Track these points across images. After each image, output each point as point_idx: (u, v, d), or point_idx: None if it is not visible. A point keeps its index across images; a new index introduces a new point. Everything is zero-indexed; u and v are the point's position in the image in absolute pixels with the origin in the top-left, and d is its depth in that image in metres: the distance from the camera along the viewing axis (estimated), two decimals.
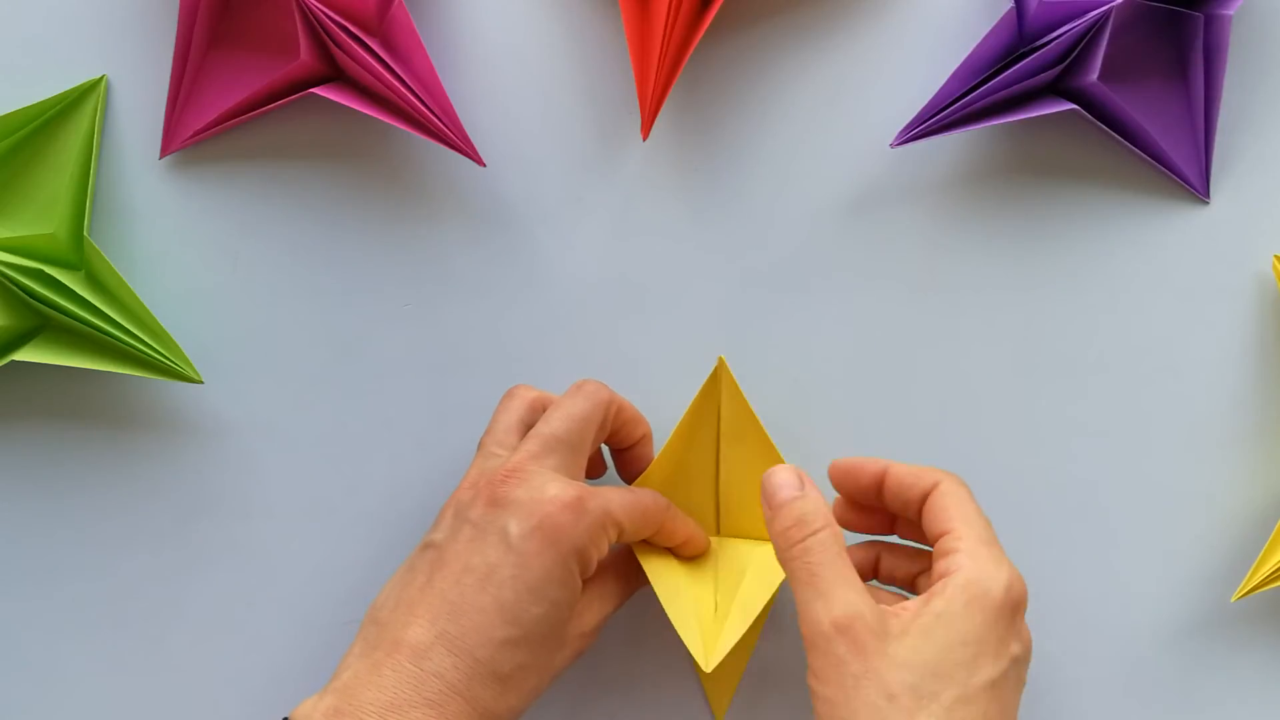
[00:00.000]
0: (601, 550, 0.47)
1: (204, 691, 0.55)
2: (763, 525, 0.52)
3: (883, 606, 0.44)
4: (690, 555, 0.52)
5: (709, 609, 0.50)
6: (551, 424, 0.49)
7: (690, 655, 0.54)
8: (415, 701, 0.44)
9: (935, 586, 0.44)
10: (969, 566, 0.44)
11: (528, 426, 0.50)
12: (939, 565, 0.45)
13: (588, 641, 0.48)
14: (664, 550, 0.52)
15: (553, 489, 0.46)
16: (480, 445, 0.50)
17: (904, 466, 0.48)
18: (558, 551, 0.46)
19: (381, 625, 0.46)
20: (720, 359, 0.52)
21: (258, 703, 0.55)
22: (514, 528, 0.46)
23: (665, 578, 0.50)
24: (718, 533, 0.54)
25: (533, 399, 0.51)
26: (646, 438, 0.53)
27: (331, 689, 0.45)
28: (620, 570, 0.51)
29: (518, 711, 0.46)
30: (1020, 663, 0.45)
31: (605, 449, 0.54)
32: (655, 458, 0.52)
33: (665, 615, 0.54)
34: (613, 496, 0.48)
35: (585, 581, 0.48)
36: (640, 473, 0.52)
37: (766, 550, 0.52)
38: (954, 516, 0.46)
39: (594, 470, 0.53)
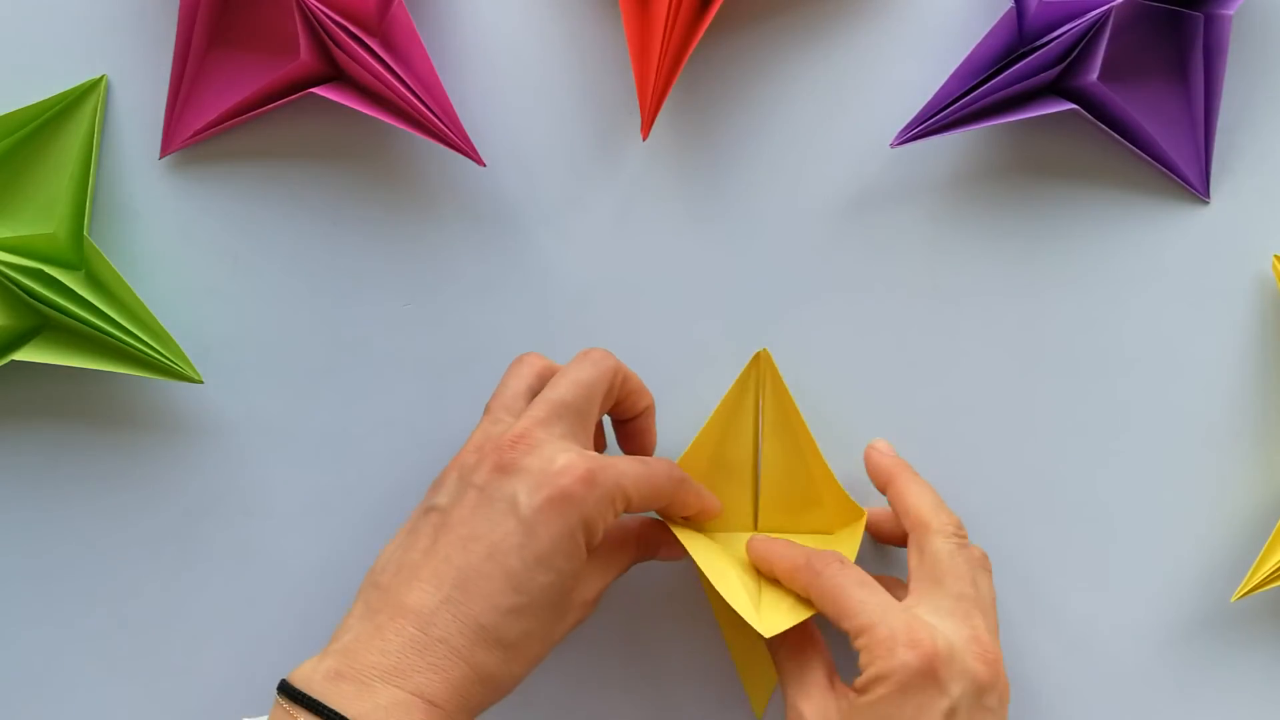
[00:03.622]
0: (608, 522, 0.47)
1: (204, 691, 0.55)
2: (805, 522, 0.52)
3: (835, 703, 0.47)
4: (704, 521, 0.52)
5: (754, 583, 0.50)
6: (559, 390, 0.48)
7: (726, 654, 0.54)
8: (419, 666, 0.43)
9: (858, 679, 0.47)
10: (867, 653, 0.46)
11: (536, 394, 0.49)
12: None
13: (588, 610, 0.48)
14: (702, 529, 0.52)
15: (563, 459, 0.46)
16: (486, 410, 0.49)
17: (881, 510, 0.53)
18: (566, 522, 0.45)
19: (383, 589, 0.46)
20: (764, 351, 0.52)
21: (258, 702, 0.55)
22: (523, 496, 0.45)
23: (708, 556, 0.50)
24: (755, 528, 0.54)
25: (542, 367, 0.50)
26: (649, 410, 0.52)
27: (332, 651, 0.44)
28: (622, 541, 0.50)
29: (518, 678, 0.46)
30: (962, 707, 0.45)
31: (607, 422, 0.54)
32: (686, 451, 0.52)
33: (701, 612, 0.54)
34: (624, 469, 0.47)
35: (589, 551, 0.47)
36: (642, 446, 0.52)
37: (812, 542, 0.52)
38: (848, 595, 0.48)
39: (594, 444, 0.53)
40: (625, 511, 0.48)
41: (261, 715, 0.46)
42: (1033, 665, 0.54)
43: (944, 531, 0.49)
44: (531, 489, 0.45)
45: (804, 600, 0.49)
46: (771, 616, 0.48)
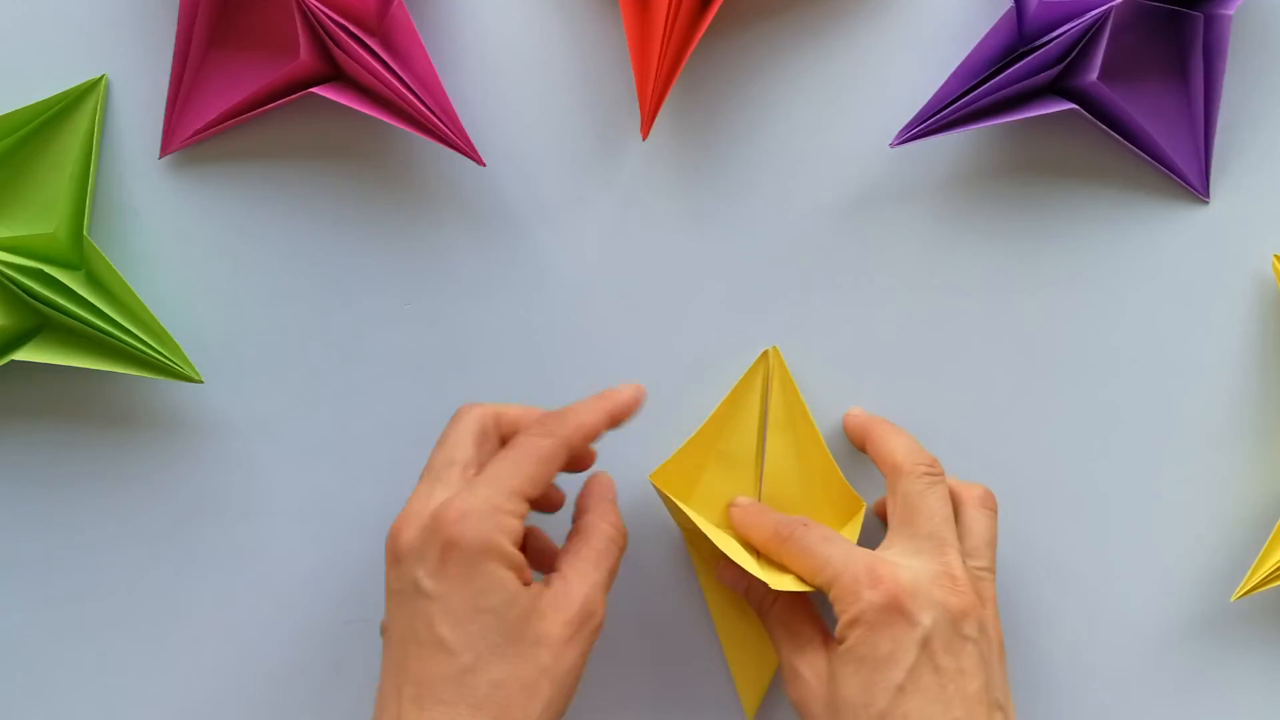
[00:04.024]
0: (511, 531, 0.45)
1: (203, 691, 0.55)
2: (808, 515, 0.52)
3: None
4: (630, 413, 0.50)
5: (754, 560, 0.50)
6: (430, 459, 0.48)
7: (721, 655, 0.54)
8: None
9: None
10: (839, 603, 0.47)
11: (476, 460, 0.48)
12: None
13: (586, 627, 0.46)
14: (706, 505, 0.52)
15: (431, 511, 0.45)
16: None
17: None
18: (468, 567, 0.45)
19: None
20: (774, 348, 0.53)
21: (257, 702, 0.55)
22: (421, 573, 0.45)
23: (713, 530, 0.50)
24: None
25: (481, 420, 0.49)
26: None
27: None
28: (592, 541, 0.48)
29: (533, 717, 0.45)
30: (937, 635, 0.46)
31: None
32: (688, 440, 0.53)
33: (696, 614, 0.54)
34: (494, 471, 0.46)
35: (548, 571, 0.47)
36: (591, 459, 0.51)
37: None
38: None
39: (550, 505, 0.52)
40: (536, 495, 0.47)
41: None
42: (1033, 664, 0.54)
43: (914, 473, 0.50)
44: (424, 567, 0.45)
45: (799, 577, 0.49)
46: (796, 584, 0.49)
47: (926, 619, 0.46)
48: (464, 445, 0.48)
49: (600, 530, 0.48)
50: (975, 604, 0.47)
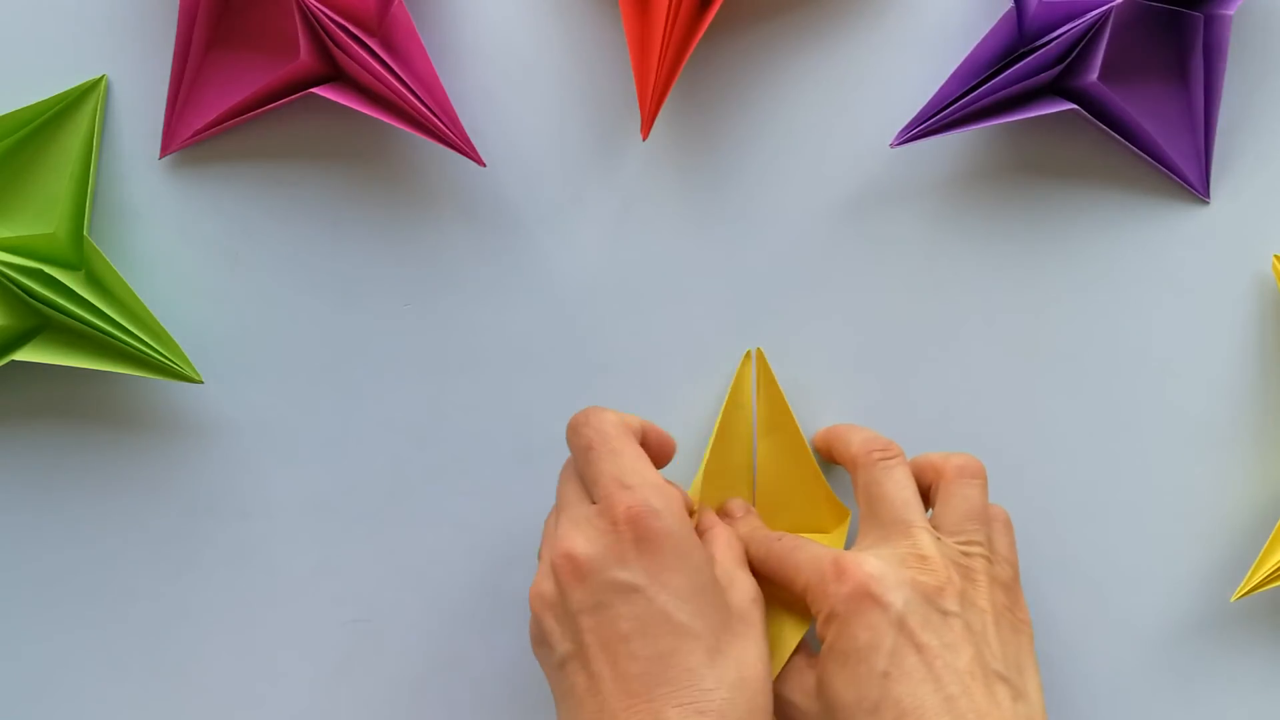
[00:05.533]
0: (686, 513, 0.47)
1: (203, 692, 0.55)
2: (801, 521, 0.52)
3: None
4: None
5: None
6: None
7: None
8: None
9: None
10: (813, 605, 0.47)
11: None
12: None
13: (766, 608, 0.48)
14: None
15: (606, 521, 0.46)
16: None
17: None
18: (673, 552, 0.45)
19: None
20: (757, 349, 0.53)
21: (258, 702, 0.55)
22: (627, 575, 0.45)
23: None
24: None
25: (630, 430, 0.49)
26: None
27: None
28: (722, 553, 0.49)
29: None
30: (912, 613, 0.45)
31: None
32: (706, 457, 0.52)
33: None
34: (633, 463, 0.48)
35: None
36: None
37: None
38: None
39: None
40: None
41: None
42: None
43: (869, 461, 0.49)
44: (624, 562, 0.46)
45: (799, 614, 0.49)
46: (783, 650, 0.49)
47: (898, 599, 0.45)
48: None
49: (725, 554, 0.49)
50: (951, 580, 0.46)
